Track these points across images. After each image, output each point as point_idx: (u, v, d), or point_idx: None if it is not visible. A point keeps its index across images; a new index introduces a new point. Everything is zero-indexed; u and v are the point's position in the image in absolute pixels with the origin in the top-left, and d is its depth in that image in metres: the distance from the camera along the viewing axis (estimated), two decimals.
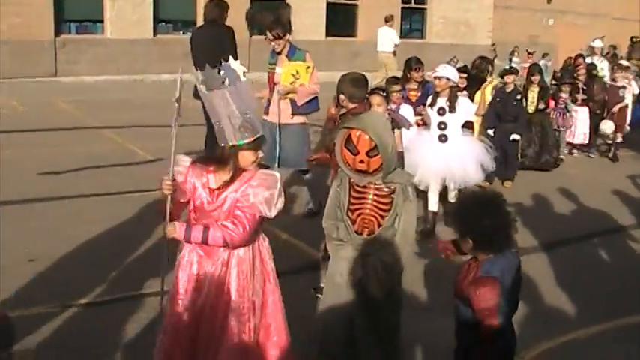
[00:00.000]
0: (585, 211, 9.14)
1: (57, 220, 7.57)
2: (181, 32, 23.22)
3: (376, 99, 6.34)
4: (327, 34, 25.45)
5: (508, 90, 10.07)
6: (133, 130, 12.86)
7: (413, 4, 28.25)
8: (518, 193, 9.59)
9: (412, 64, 9.30)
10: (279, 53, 7.69)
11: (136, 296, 5.69)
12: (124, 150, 11.21)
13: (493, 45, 10.34)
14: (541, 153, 11.29)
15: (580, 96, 12.74)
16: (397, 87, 8.10)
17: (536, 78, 11.36)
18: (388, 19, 21.73)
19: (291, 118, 7.75)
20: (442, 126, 7.77)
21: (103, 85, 19.69)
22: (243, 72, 3.83)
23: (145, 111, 15.06)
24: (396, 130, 6.31)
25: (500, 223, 3.55)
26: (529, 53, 21.71)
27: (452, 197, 7.97)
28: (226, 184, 3.78)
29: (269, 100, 7.81)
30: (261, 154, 3.82)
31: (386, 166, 4.02)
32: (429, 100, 7.94)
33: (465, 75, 9.74)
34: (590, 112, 12.89)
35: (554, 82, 15.01)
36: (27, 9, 19.88)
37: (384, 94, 6.44)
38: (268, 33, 7.61)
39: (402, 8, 27.64)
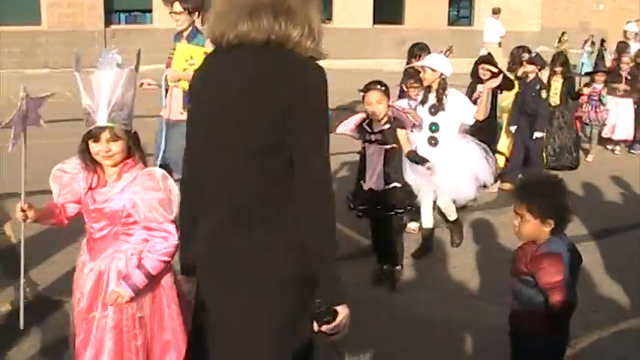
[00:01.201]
0: (633, 200, 9.02)
1: None
2: None
3: (373, 96, 5.66)
4: (375, 22, 25.34)
5: (528, 80, 9.22)
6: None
7: None
8: None
9: (415, 50, 8.24)
10: (181, 34, 6.60)
11: None
12: None
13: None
14: (561, 151, 10.31)
15: (622, 86, 11.50)
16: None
17: (559, 68, 10.34)
18: (496, 11, 21.77)
19: (182, 113, 6.31)
20: (433, 127, 6.52)
21: (151, 74, 19.82)
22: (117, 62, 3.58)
23: None
24: (399, 131, 5.76)
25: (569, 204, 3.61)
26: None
27: (446, 211, 6.93)
28: (105, 183, 3.46)
29: (166, 92, 6.77)
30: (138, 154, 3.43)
31: None
32: (420, 96, 6.65)
33: (492, 67, 8.15)
34: (635, 104, 11.65)
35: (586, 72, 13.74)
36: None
37: (383, 87, 5.68)
38: (174, 4, 6.43)
39: None
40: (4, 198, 7.56)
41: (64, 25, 20.08)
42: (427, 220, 6.76)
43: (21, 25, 19.72)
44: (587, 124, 11.35)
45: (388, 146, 5.74)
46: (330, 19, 24.43)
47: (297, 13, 2.54)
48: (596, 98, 11.21)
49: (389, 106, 5.79)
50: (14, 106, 3.57)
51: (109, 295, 3.38)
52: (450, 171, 6.38)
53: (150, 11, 22.00)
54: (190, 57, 6.39)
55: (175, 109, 6.56)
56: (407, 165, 6.12)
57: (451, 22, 27.28)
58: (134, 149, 3.46)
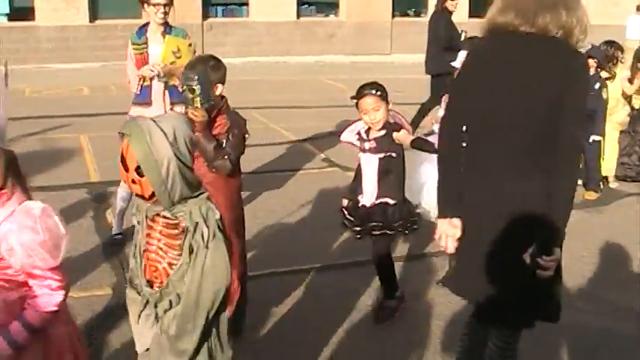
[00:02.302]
0: None
1: None
2: (324, 14, 23.48)
3: (368, 102, 4.91)
4: (470, 16, 25.02)
5: None
6: (277, 111, 13.12)
7: None
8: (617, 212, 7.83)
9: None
10: (145, 28, 6.37)
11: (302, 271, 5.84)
12: (269, 130, 11.45)
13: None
14: None
15: None
16: None
17: None
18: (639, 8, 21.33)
19: (171, 109, 6.18)
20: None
21: (247, 67, 20.16)
22: None
23: (288, 92, 15.35)
24: (396, 134, 4.98)
25: None
26: None
27: None
28: None
29: (145, 88, 6.27)
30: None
31: (159, 191, 2.75)
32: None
33: None
34: None
35: None
36: None
37: (378, 92, 4.90)
38: None
39: None
40: (104, 186, 7.81)
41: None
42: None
43: (123, 19, 20.27)
44: None
45: (382, 155, 4.96)
46: (425, 12, 24.25)
47: (578, 10, 3.16)
48: None
49: (389, 110, 5.02)
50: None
51: None
52: None
53: (246, 4, 22.29)
54: (177, 49, 6.26)
55: (166, 105, 6.25)
56: (422, 179, 5.57)
57: None
58: (10, 176, 2.85)
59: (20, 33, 19.43)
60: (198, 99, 4.38)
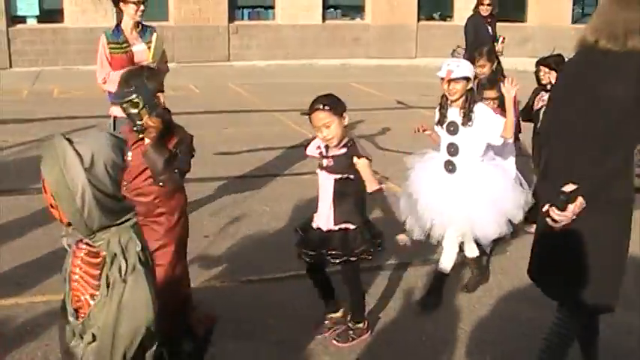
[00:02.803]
0: None
1: (230, 198, 7.93)
2: (350, 18, 23.51)
3: (317, 118, 4.57)
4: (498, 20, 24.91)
5: None
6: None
7: None
8: None
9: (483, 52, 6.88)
10: (119, 27, 6.46)
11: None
12: (293, 132, 11.50)
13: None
14: None
15: None
16: (491, 91, 6.03)
17: None
18: None
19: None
20: (452, 149, 5.32)
21: (273, 70, 20.23)
22: None
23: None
24: (358, 161, 4.57)
25: None
26: None
27: (468, 251, 5.70)
28: None
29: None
30: None
31: (74, 220, 2.53)
32: (436, 115, 5.46)
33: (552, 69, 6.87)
34: None
35: None
36: None
37: (327, 107, 4.54)
38: None
39: None
40: None
41: (190, 21, 20.70)
42: (445, 261, 5.48)
43: (150, 21, 20.40)
44: None
45: (338, 176, 4.58)
46: (450, 16, 24.20)
47: None
48: None
49: (345, 126, 4.60)
50: None
51: None
52: (468, 202, 5.23)
53: (272, 7, 22.37)
54: (162, 47, 6.59)
55: None
56: (422, 186, 5.36)
57: (575, 21, 26.47)
58: None
59: (50, 34, 19.66)
60: (144, 110, 4.15)
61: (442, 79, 5.16)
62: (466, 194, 5.21)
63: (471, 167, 5.28)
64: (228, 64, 20.89)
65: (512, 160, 6.02)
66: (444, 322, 5.17)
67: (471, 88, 5.22)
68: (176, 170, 4.25)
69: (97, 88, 6.92)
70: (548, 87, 6.74)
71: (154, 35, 6.54)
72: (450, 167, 5.31)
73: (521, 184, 5.45)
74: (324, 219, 4.64)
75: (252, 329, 4.98)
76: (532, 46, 22.79)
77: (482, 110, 5.25)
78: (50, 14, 19.89)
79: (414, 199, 5.35)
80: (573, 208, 3.49)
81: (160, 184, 4.24)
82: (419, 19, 23.70)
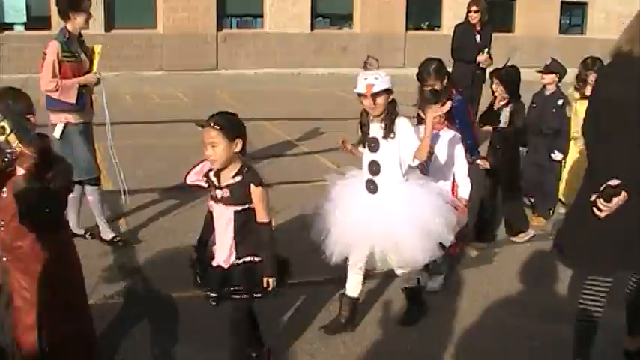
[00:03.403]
0: None
1: None
2: (338, 27, 23.57)
3: (207, 134, 4.02)
4: None
5: (547, 93, 7.42)
6: (289, 122, 13.15)
7: None
8: None
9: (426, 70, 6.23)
10: (67, 33, 6.32)
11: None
12: (281, 141, 11.49)
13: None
14: None
15: None
16: (436, 107, 5.18)
17: None
18: None
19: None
20: (373, 168, 4.86)
21: (261, 78, 20.23)
22: None
23: (300, 103, 15.40)
24: (254, 189, 4.09)
25: None
26: None
27: (402, 275, 5.22)
28: None
29: (83, 95, 6.36)
30: None
31: None
32: (359, 133, 4.99)
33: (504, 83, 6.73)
34: None
35: None
36: (194, 4, 20.77)
37: (217, 126, 3.98)
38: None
39: (562, 2, 26.75)
40: (119, 195, 7.83)
41: (179, 29, 20.68)
42: (352, 286, 5.11)
43: (138, 29, 20.41)
44: None
45: (238, 207, 4.10)
46: (439, 26, 24.29)
47: None
48: None
49: (238, 152, 4.09)
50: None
51: None
52: (391, 227, 4.74)
53: (261, 16, 22.39)
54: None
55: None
56: (343, 205, 4.91)
57: (562, 31, 26.66)
58: None
59: (37, 42, 19.59)
60: (14, 136, 3.65)
61: (361, 95, 4.74)
62: (389, 217, 4.75)
63: (393, 187, 4.84)
64: (216, 73, 20.88)
65: (449, 181, 5.64)
66: (430, 333, 5.14)
67: (393, 100, 4.78)
68: (48, 209, 3.70)
69: None
70: (497, 97, 6.73)
71: (98, 46, 6.51)
72: (371, 187, 4.87)
73: (449, 204, 4.93)
74: (225, 254, 4.16)
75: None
76: (519, 56, 22.88)
77: (404, 126, 4.80)
78: (38, 21, 19.81)
79: (335, 219, 4.88)
80: (617, 201, 3.84)
81: (26, 225, 3.68)
82: (407, 29, 23.79)
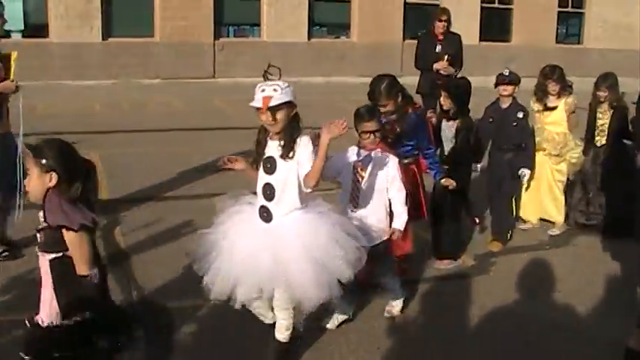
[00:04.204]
0: None
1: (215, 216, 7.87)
2: (335, 36, 23.60)
3: (28, 162, 3.43)
4: (481, 39, 25.07)
5: (504, 106, 6.91)
6: None
7: (570, 8, 27.32)
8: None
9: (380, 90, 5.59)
10: None
11: None
12: None
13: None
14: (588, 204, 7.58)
15: None
16: (370, 123, 4.89)
17: (603, 94, 7.31)
18: None
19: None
20: (267, 192, 4.35)
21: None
22: None
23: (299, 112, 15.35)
24: (67, 233, 3.31)
25: None
26: None
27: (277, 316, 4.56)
28: None
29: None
30: None
31: None
32: (254, 154, 4.54)
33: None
34: None
35: None
36: (191, 13, 20.78)
37: (33, 153, 3.36)
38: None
39: (559, 12, 26.81)
40: (113, 204, 7.83)
41: (176, 37, 20.70)
42: (281, 330, 4.52)
43: (135, 37, 20.41)
44: None
45: (52, 255, 3.38)
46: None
47: None
48: None
49: (52, 189, 3.35)
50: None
51: None
52: (282, 260, 4.20)
53: (258, 25, 22.41)
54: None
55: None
56: (231, 235, 4.39)
57: (559, 41, 26.71)
58: None
59: (34, 49, 19.58)
60: None
61: (258, 109, 4.34)
62: (280, 249, 4.21)
63: (287, 216, 4.32)
64: (213, 81, 20.89)
65: (381, 209, 5.03)
66: (425, 344, 5.14)
67: (296, 114, 4.35)
68: None
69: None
70: (445, 109, 6.33)
71: (14, 53, 6.24)
72: (264, 214, 4.35)
73: (350, 234, 4.31)
74: (47, 309, 3.43)
75: (233, 347, 4.95)
76: (516, 66, 22.91)
77: (305, 145, 4.32)
78: (35, 29, 19.80)
79: (218, 252, 4.38)
80: None
81: None
82: (404, 38, 23.82)
